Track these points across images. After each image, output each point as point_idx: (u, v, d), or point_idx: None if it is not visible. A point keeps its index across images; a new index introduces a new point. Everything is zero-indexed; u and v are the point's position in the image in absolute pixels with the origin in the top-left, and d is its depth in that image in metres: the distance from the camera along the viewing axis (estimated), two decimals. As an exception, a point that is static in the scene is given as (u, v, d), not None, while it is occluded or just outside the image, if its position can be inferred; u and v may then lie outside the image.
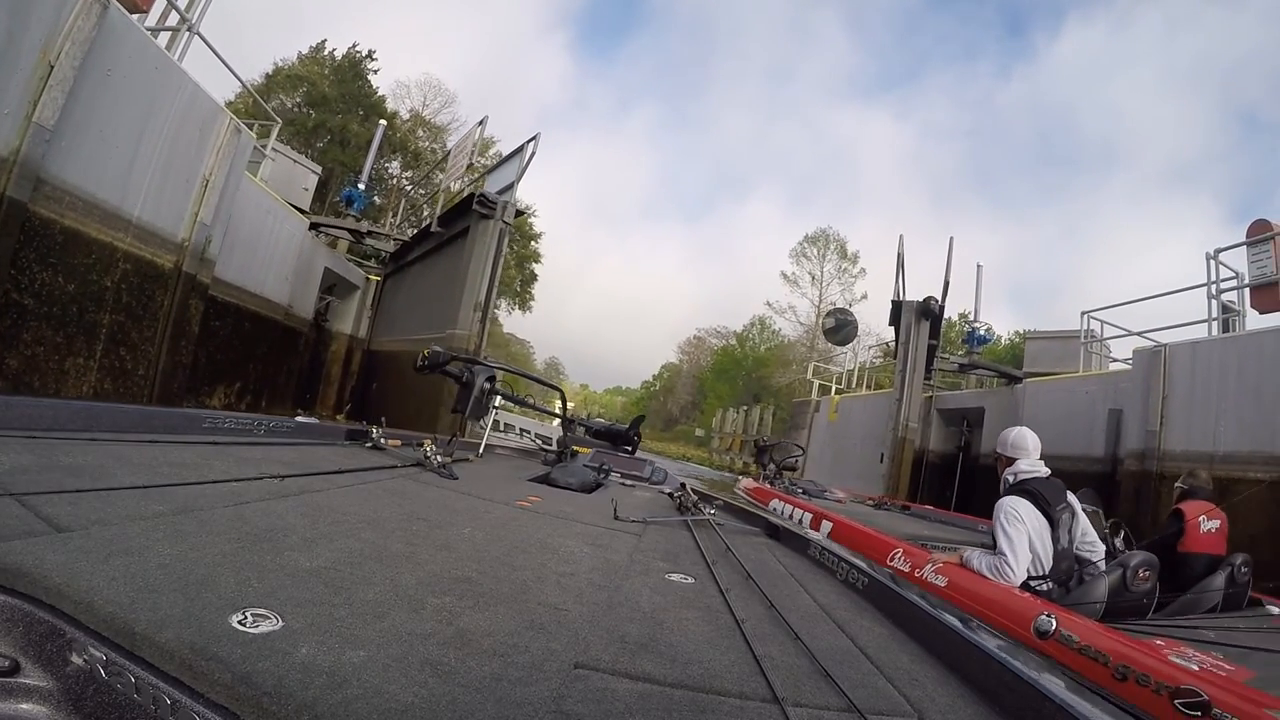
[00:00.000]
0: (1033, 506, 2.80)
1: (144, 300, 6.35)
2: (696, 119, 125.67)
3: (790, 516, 3.36)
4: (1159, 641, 2.47)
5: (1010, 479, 3.03)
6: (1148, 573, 2.85)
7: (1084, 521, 2.97)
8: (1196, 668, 2.09)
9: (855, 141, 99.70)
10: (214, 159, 6.76)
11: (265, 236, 8.89)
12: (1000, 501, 2.90)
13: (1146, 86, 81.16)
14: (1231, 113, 72.02)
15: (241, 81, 9.15)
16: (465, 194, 8.40)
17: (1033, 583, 2.78)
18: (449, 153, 10.21)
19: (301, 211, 10.55)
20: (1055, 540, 2.82)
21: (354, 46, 29.64)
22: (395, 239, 10.95)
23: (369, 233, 10.73)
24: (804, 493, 6.70)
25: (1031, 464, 3.05)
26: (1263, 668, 2.39)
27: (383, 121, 13.31)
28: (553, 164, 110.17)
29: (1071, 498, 2.99)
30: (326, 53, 29.29)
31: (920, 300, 9.95)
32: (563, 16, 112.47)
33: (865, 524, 4.42)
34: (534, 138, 8.70)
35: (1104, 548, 3.05)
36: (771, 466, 8.01)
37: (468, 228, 8.77)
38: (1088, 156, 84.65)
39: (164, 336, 6.54)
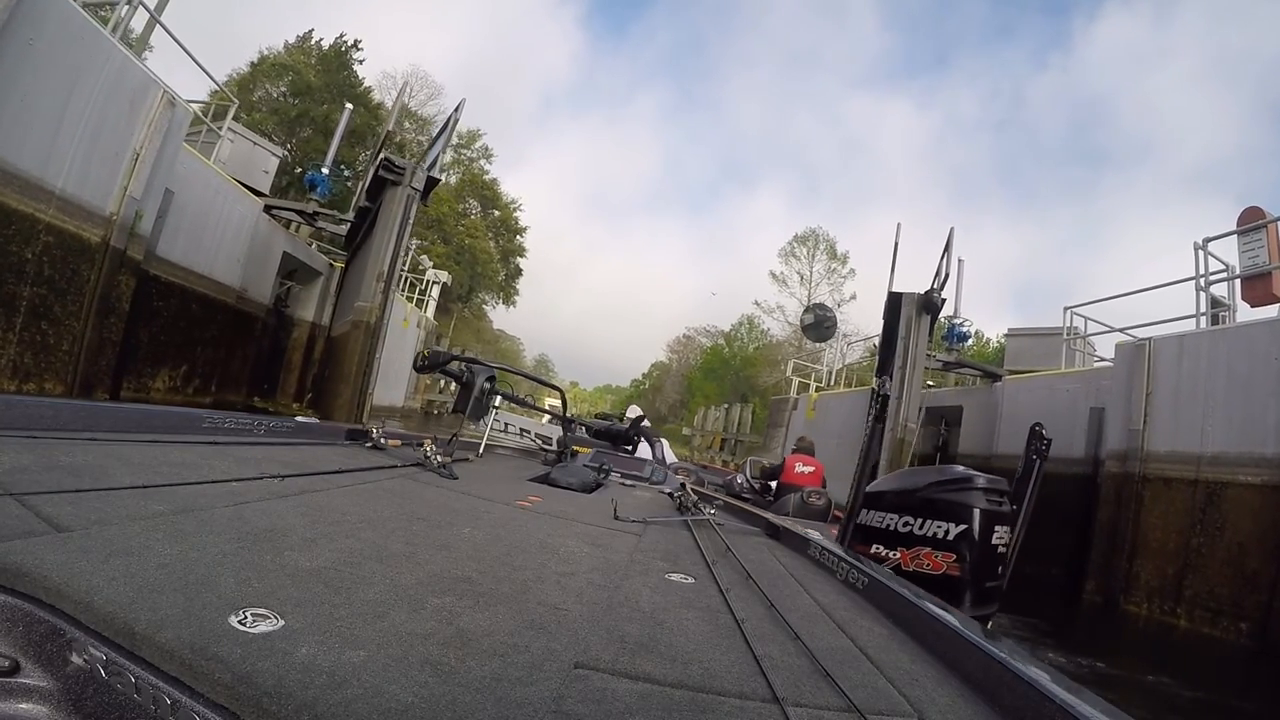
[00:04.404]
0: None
1: (68, 274, 6.12)
2: (697, 111, 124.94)
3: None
4: None
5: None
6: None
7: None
8: None
9: (858, 139, 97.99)
10: (145, 132, 6.49)
11: (214, 217, 8.52)
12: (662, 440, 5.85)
13: (1179, 80, 78.59)
14: (1267, 110, 68.68)
15: (185, 50, 8.54)
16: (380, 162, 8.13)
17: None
18: (388, 133, 9.82)
19: (260, 194, 10.12)
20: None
21: (341, 36, 29.32)
22: (343, 219, 10.43)
23: (316, 214, 10.20)
24: None
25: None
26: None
27: (349, 106, 12.83)
28: (547, 156, 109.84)
29: None
30: (313, 42, 28.96)
31: (922, 293, 9.38)
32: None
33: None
34: (459, 105, 8.60)
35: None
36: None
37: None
38: (1108, 155, 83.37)
39: (90, 312, 6.29)
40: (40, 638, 0.77)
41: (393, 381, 15.96)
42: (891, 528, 3.82)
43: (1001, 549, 3.82)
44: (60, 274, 5.96)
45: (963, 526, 3.72)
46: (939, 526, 3.72)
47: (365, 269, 8.21)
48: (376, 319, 7.72)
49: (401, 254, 8.20)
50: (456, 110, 8.52)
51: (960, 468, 3.97)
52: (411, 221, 8.09)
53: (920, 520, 3.72)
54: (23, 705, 0.75)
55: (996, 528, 3.82)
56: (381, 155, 8.22)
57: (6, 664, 0.76)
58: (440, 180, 9.26)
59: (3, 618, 0.78)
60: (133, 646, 0.74)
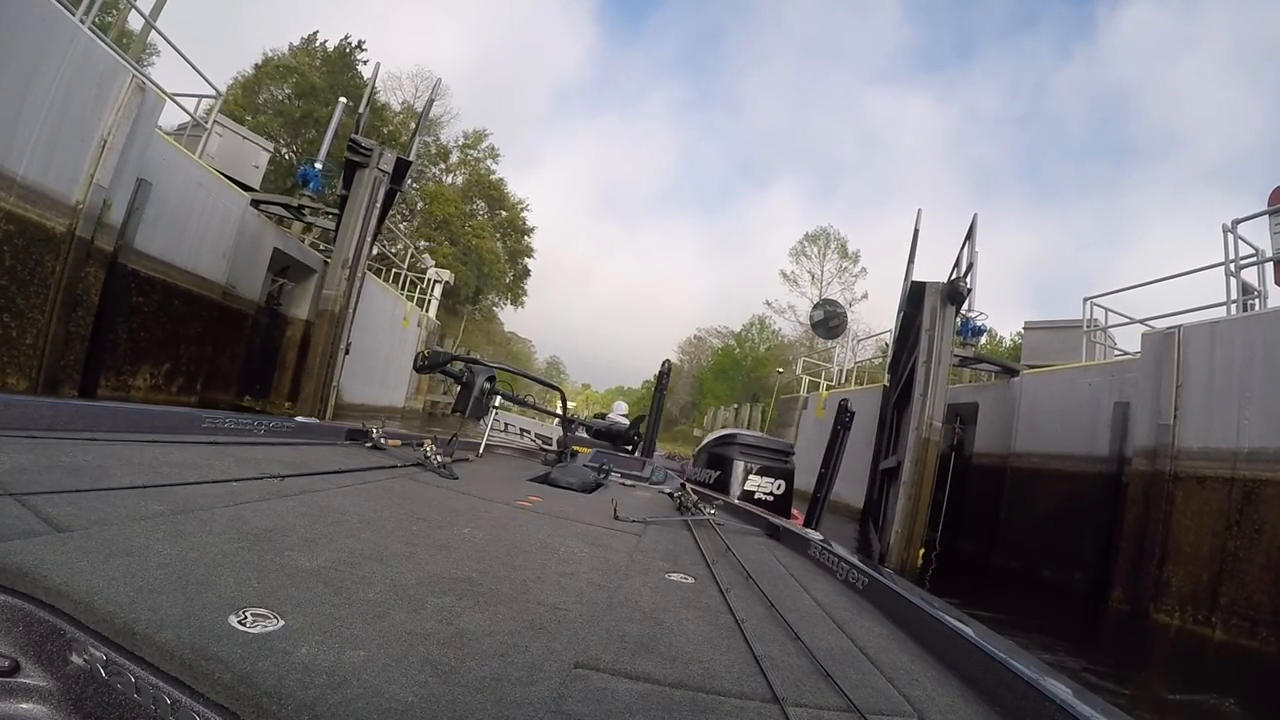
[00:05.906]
0: None
1: (31, 265, 5.89)
2: (711, 109, 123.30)
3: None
4: None
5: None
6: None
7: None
8: None
9: (873, 134, 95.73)
10: (113, 118, 6.23)
11: (197, 210, 8.30)
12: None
13: (1203, 70, 74.36)
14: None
15: (173, 45, 8.41)
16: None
17: None
18: (359, 116, 9.58)
19: (248, 188, 9.89)
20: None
21: (345, 38, 29.32)
22: (329, 211, 10.20)
23: (302, 207, 9.95)
24: None
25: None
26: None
27: (342, 100, 12.56)
28: (560, 156, 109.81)
29: None
30: (318, 44, 28.97)
31: (947, 282, 8.79)
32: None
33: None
34: (435, 85, 8.48)
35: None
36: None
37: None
38: (1128, 149, 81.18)
39: (55, 305, 6.03)
40: (40, 638, 0.78)
41: (393, 382, 15.74)
42: (695, 477, 4.75)
43: (761, 496, 4.70)
44: (22, 264, 5.75)
45: (717, 473, 4.73)
46: (708, 474, 4.72)
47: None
48: (341, 308, 7.41)
49: (369, 239, 7.88)
50: (433, 91, 8.34)
51: (729, 429, 4.57)
52: (379, 204, 7.80)
53: (704, 470, 4.75)
54: (23, 705, 0.75)
55: (753, 478, 4.78)
56: (351, 138, 7.93)
57: (6, 664, 0.76)
58: (412, 163, 8.97)
59: (3, 618, 0.78)
60: (133, 646, 0.74)
